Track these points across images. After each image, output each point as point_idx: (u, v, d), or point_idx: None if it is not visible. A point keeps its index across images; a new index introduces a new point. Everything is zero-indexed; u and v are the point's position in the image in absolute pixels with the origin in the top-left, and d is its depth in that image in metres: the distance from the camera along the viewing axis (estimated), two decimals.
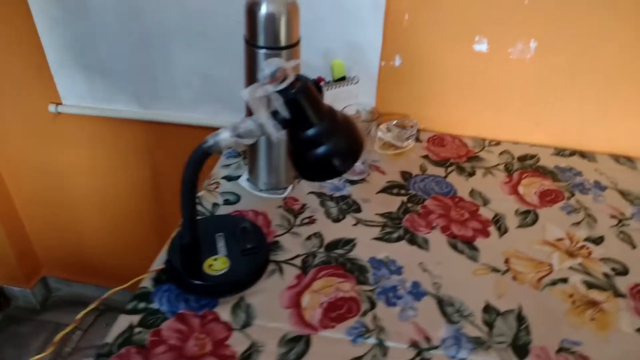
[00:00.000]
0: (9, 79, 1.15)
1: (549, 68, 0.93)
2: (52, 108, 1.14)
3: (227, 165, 0.90)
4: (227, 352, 0.58)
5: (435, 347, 0.60)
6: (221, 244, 0.68)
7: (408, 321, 0.63)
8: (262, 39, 0.68)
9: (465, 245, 0.76)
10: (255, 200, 0.82)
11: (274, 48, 0.68)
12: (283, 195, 0.83)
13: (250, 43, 0.68)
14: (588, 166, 0.96)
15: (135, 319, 0.61)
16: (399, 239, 0.76)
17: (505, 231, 0.79)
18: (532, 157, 0.98)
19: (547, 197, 0.87)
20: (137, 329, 0.60)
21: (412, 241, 0.76)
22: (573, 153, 1.00)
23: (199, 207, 0.79)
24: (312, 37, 0.95)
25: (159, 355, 0.56)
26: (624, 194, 0.89)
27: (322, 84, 0.88)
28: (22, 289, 1.59)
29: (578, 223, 0.82)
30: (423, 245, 0.75)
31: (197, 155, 0.57)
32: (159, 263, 0.68)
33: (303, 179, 0.63)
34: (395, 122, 0.99)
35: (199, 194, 0.82)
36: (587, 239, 0.78)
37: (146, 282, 0.66)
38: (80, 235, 1.47)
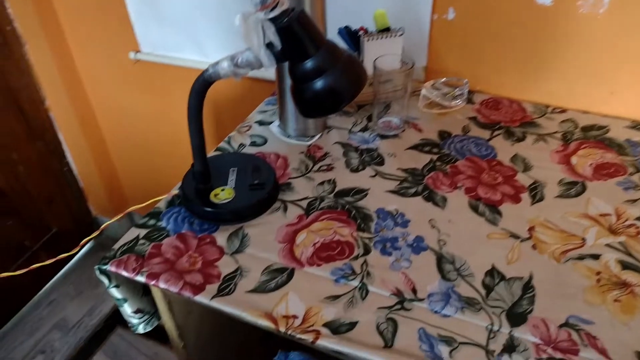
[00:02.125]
0: (98, 29, 1.28)
1: (627, 26, 0.81)
2: (132, 55, 1.26)
3: (264, 112, 0.92)
4: (214, 271, 0.61)
5: (420, 300, 0.57)
6: (232, 178, 0.71)
7: (399, 271, 0.61)
8: None
9: (488, 208, 0.70)
10: (280, 145, 0.83)
11: None
12: (309, 143, 0.83)
13: None
14: None
15: (143, 232, 0.66)
16: (415, 194, 0.73)
17: (541, 199, 0.71)
18: (601, 128, 0.87)
19: (604, 170, 0.77)
20: (142, 241, 0.65)
21: (429, 198, 0.72)
22: None
23: (225, 146, 0.83)
24: None
25: (153, 265, 0.61)
26: None
27: (361, 33, 0.85)
28: (111, 221, 1.79)
29: (634, 201, 0.71)
30: (440, 203, 0.71)
31: (198, 84, 0.60)
32: (176, 188, 0.73)
33: (303, 116, 0.63)
34: (443, 80, 0.94)
35: (231, 134, 0.86)
36: (639, 218, 0.68)
37: (161, 203, 0.71)
38: (159, 176, 1.61)
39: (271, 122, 0.88)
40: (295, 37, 0.54)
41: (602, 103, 0.90)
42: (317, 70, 0.56)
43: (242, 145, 0.83)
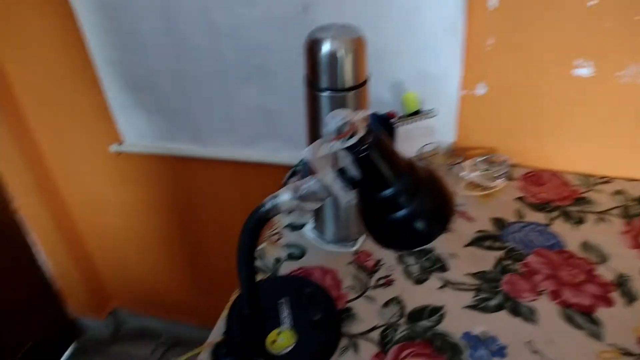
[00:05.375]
0: (72, 121, 1.15)
1: None
2: (113, 147, 1.12)
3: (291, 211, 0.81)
4: None
5: None
6: (285, 313, 0.59)
7: None
8: (325, 80, 0.58)
9: (584, 318, 0.61)
10: (322, 255, 0.72)
11: (339, 90, 0.59)
12: (354, 249, 0.72)
13: (312, 84, 0.59)
14: None
15: None
16: (498, 308, 0.62)
17: (634, 298, 0.63)
18: None
19: None
20: None
21: (515, 311, 0.62)
22: None
23: (259, 263, 0.70)
24: (380, 69, 0.85)
25: None
26: None
27: (393, 120, 0.77)
28: (93, 320, 1.59)
29: None
30: (529, 316, 0.61)
31: (253, 221, 0.48)
32: (217, 332, 0.59)
33: (380, 247, 0.52)
34: (482, 158, 0.86)
35: (260, 247, 0.74)
36: None
37: (203, 355, 0.57)
38: (147, 269, 1.45)
39: (302, 225, 0.77)
40: (375, 166, 0.44)
41: None
42: (400, 197, 0.46)
43: (278, 260, 0.71)
